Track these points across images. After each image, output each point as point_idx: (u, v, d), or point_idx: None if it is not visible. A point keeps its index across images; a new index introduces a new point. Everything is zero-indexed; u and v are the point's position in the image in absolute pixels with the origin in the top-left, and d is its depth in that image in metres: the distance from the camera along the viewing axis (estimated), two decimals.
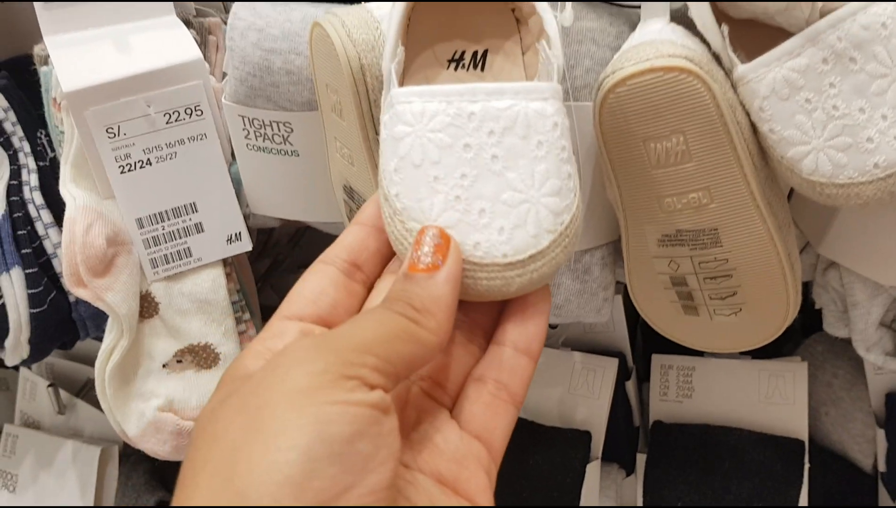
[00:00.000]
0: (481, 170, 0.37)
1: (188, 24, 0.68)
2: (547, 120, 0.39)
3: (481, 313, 0.39)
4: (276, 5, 0.57)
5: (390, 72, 0.41)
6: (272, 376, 0.30)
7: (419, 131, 0.37)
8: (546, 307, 0.39)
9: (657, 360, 0.73)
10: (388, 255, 0.40)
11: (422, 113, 0.38)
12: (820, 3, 0.43)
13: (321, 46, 0.51)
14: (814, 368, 0.77)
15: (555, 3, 0.45)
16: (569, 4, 0.46)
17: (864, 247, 0.57)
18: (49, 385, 0.88)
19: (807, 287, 0.64)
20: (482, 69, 0.47)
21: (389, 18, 0.43)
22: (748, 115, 0.47)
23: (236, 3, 0.58)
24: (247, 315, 0.68)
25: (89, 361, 0.75)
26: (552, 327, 0.74)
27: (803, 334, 0.80)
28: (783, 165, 0.46)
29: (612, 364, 0.70)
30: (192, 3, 0.69)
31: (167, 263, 0.64)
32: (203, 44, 0.70)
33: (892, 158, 0.43)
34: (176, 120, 0.61)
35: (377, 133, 0.50)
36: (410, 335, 0.33)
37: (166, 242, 0.63)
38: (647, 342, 0.80)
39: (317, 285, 0.38)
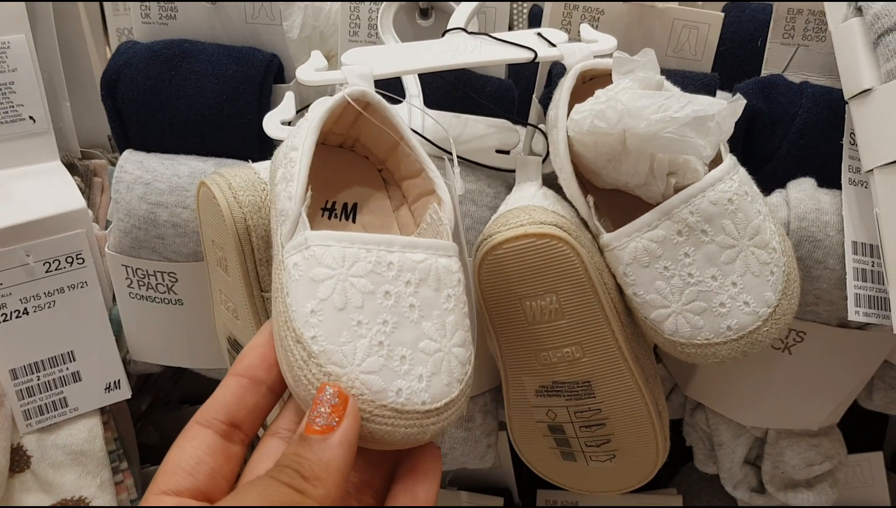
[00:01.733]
0: (401, 318, 0.37)
1: (73, 166, 0.68)
2: (453, 275, 0.40)
3: (371, 472, 0.39)
4: (164, 159, 0.58)
5: (299, 214, 0.40)
6: None
7: (341, 275, 0.37)
8: (437, 471, 0.38)
9: (542, 495, 0.74)
10: (267, 409, 0.39)
11: (343, 258, 0.38)
12: (674, 180, 0.48)
13: (207, 205, 0.51)
14: (690, 497, 0.80)
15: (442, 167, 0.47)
16: (457, 173, 0.48)
17: (725, 390, 0.61)
18: None
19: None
20: (353, 221, 0.49)
21: (291, 163, 0.42)
22: (614, 276, 0.50)
23: (123, 155, 0.59)
24: (124, 464, 0.66)
25: None
26: None
27: (681, 461, 0.83)
28: (647, 325, 0.50)
29: (497, 503, 0.71)
30: (78, 146, 0.69)
31: (41, 414, 0.61)
32: (88, 186, 0.70)
33: (744, 322, 0.47)
34: (56, 268, 0.60)
35: (262, 290, 0.51)
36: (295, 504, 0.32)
37: (41, 392, 0.61)
38: (533, 477, 0.81)
39: (193, 454, 0.36)
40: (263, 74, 0.58)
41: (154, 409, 0.86)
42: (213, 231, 0.53)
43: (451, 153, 0.54)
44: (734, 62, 0.64)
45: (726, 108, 0.44)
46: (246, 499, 0.33)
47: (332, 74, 0.49)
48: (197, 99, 0.57)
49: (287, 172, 0.42)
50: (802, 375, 0.58)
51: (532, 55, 0.51)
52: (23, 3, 0.61)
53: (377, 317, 0.37)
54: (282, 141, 0.54)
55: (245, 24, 0.60)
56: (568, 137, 0.49)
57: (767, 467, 0.63)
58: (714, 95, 0.59)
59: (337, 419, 0.34)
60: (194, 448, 0.36)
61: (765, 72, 0.60)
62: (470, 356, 0.40)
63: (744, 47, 0.64)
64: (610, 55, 0.51)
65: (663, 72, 0.58)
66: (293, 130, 0.45)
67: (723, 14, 0.60)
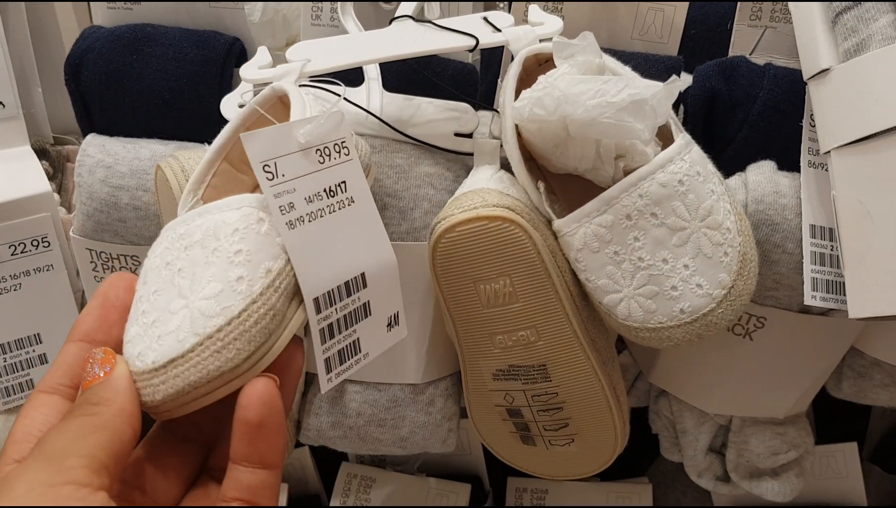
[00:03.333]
0: (166, 284, 0.38)
1: (44, 152, 0.68)
2: (229, 227, 0.39)
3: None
4: (126, 143, 0.58)
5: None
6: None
7: (149, 261, 0.40)
8: (274, 423, 0.36)
9: (512, 483, 0.74)
10: None
11: (160, 239, 0.41)
12: (623, 163, 0.47)
13: (163, 188, 0.52)
14: (664, 487, 0.80)
15: None
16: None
17: (688, 376, 0.61)
18: None
19: None
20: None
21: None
22: (568, 260, 0.50)
23: (86, 139, 0.59)
24: None
25: None
26: None
27: (657, 452, 0.83)
28: (602, 309, 0.49)
29: (464, 490, 0.71)
30: (50, 131, 0.70)
31: (7, 395, 0.62)
32: (61, 171, 0.70)
33: (697, 305, 0.46)
34: (22, 251, 0.60)
35: None
36: (95, 426, 0.33)
37: (7, 374, 0.61)
38: (504, 464, 0.81)
39: (43, 420, 0.35)
40: (225, 58, 0.58)
41: None
42: (169, 214, 0.53)
43: (407, 136, 0.55)
44: (705, 45, 0.63)
45: (661, 90, 0.43)
46: (46, 441, 0.33)
47: (269, 73, 0.49)
48: (158, 83, 0.58)
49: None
50: (764, 362, 0.58)
51: (473, 42, 0.51)
52: None
53: (150, 289, 0.38)
54: None
55: (208, 8, 0.60)
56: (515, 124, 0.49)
57: (732, 455, 0.63)
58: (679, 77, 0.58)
59: (109, 367, 0.35)
60: (44, 415, 0.36)
61: (732, 54, 0.60)
62: (228, 308, 0.37)
63: (714, 31, 0.63)
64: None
65: (629, 55, 0.59)
66: None
67: None
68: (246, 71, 0.50)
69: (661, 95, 0.43)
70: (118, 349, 0.38)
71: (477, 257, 0.49)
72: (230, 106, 0.56)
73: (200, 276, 0.38)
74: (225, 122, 0.55)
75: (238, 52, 0.59)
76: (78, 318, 0.39)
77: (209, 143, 0.58)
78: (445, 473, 0.73)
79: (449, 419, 0.61)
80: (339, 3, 0.57)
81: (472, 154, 0.55)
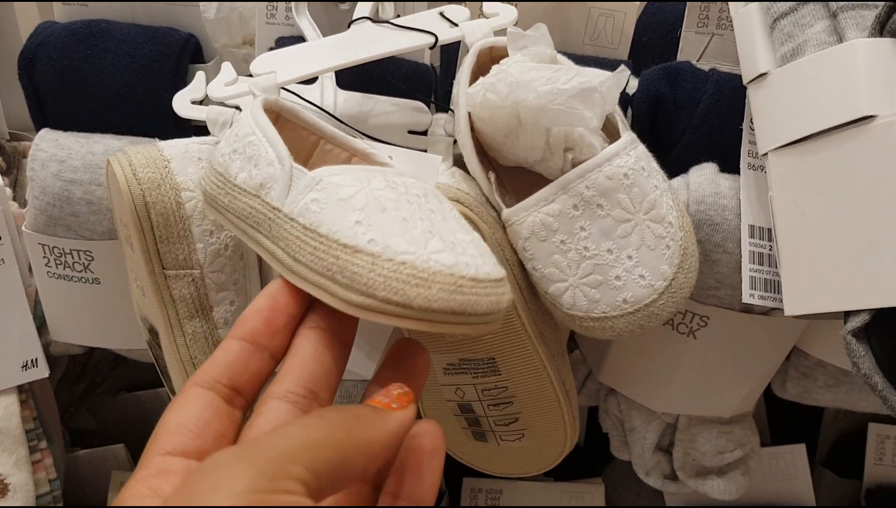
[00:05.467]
0: (431, 218, 0.38)
1: (0, 148, 0.68)
2: (440, 194, 0.42)
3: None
4: (80, 137, 0.58)
5: (291, 167, 0.41)
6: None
7: (368, 189, 0.38)
8: (440, 456, 0.35)
9: (467, 483, 0.74)
10: (267, 376, 0.37)
11: (358, 179, 0.38)
12: (571, 155, 0.49)
13: (112, 182, 0.52)
14: (619, 488, 0.81)
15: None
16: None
17: (636, 376, 0.62)
18: None
19: None
20: None
21: (253, 144, 0.43)
22: (517, 253, 0.51)
23: (39, 134, 0.59)
24: (43, 443, 0.66)
25: None
26: None
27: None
28: (547, 299, 0.50)
29: None
30: (5, 127, 0.70)
31: None
32: (16, 167, 0.70)
33: (639, 295, 0.48)
34: None
35: (164, 268, 0.51)
36: (343, 441, 0.30)
37: None
38: (460, 465, 0.81)
39: (200, 415, 0.33)
40: (179, 54, 0.58)
41: (90, 394, 0.85)
42: (118, 209, 0.53)
43: (362, 133, 0.56)
44: (656, 52, 0.65)
45: (609, 78, 0.45)
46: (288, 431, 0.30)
47: (240, 88, 0.50)
48: (112, 78, 0.58)
49: (251, 152, 0.43)
50: (709, 361, 0.59)
51: (433, 40, 0.52)
52: None
53: (415, 215, 0.37)
54: (197, 120, 0.56)
55: (164, 6, 0.60)
56: (469, 113, 0.50)
57: (679, 453, 0.64)
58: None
59: (401, 404, 0.33)
60: (200, 409, 0.33)
61: (680, 60, 0.61)
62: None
63: (665, 38, 0.65)
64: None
65: (580, 58, 0.60)
66: (230, 133, 0.46)
67: (638, 2, 0.61)
68: (213, 89, 0.51)
69: (610, 83, 0.45)
70: (280, 354, 0.36)
71: None
72: (183, 102, 0.56)
73: (460, 221, 0.40)
74: (178, 117, 0.56)
75: (193, 49, 0.60)
76: (243, 315, 0.36)
77: (163, 137, 0.59)
78: None
79: None
80: (293, 2, 0.58)
81: (425, 151, 0.56)
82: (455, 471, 0.79)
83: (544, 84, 0.45)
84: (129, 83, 0.58)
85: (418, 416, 0.61)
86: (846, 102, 0.45)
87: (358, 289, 0.34)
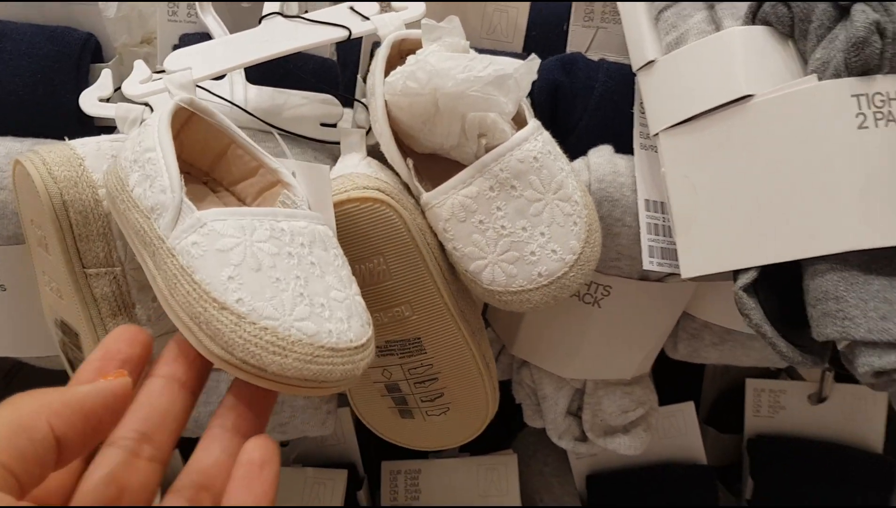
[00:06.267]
0: (308, 274, 0.40)
1: None
2: (332, 239, 0.45)
3: None
4: None
5: (181, 200, 0.41)
6: None
7: (247, 242, 0.40)
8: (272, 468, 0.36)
9: (386, 466, 0.77)
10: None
11: (242, 227, 0.40)
12: (485, 141, 0.52)
13: (23, 184, 0.51)
14: (528, 458, 0.85)
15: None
16: (285, 149, 0.51)
17: (546, 346, 0.66)
18: None
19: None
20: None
21: (151, 162, 0.43)
22: (436, 236, 0.54)
23: None
24: None
25: None
26: (283, 444, 0.75)
27: (519, 427, 0.88)
28: (468, 277, 0.53)
29: (341, 476, 0.73)
30: None
31: None
32: None
33: (552, 268, 0.51)
34: None
35: (84, 267, 0.51)
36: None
37: None
38: (377, 450, 0.84)
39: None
40: (80, 53, 0.57)
41: None
42: (30, 210, 0.52)
43: (276, 127, 0.57)
44: (545, 44, 0.69)
45: (523, 66, 0.48)
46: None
47: (155, 86, 0.50)
48: (11, 79, 0.56)
49: (149, 171, 0.44)
50: (612, 327, 0.64)
51: (347, 33, 0.54)
52: None
53: (290, 274, 0.40)
54: (104, 120, 0.55)
55: (60, 6, 0.59)
56: (386, 102, 0.52)
57: (587, 416, 0.68)
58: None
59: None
60: None
61: (569, 52, 0.66)
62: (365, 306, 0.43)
63: (553, 31, 0.69)
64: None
65: (480, 52, 0.63)
66: (136, 137, 0.46)
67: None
68: (128, 87, 0.50)
69: (523, 70, 0.48)
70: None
71: (351, 238, 0.52)
72: (90, 100, 0.55)
73: (341, 275, 0.43)
74: (84, 116, 0.55)
75: (93, 48, 0.59)
76: (78, 370, 0.37)
77: (66, 138, 0.57)
78: (321, 462, 0.75)
79: (328, 402, 0.63)
80: (197, 1, 0.58)
81: (338, 143, 0.58)
82: (374, 456, 0.81)
83: (462, 72, 0.47)
84: (30, 84, 0.56)
85: (345, 401, 0.63)
86: (727, 83, 0.50)
87: (219, 344, 0.37)
